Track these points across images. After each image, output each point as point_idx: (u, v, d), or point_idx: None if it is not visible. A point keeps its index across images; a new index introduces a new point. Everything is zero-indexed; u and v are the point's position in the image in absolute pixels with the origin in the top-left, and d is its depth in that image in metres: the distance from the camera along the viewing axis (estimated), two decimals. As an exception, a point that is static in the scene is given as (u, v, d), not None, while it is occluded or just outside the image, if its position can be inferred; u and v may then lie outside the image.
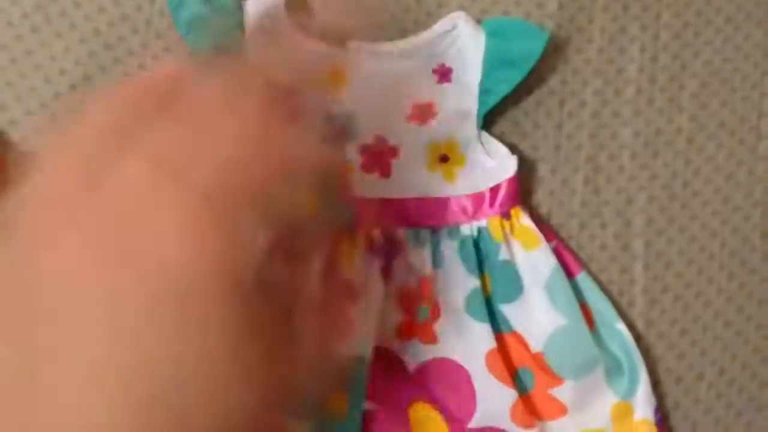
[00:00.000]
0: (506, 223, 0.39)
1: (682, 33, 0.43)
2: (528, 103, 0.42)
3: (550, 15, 0.42)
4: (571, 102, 0.42)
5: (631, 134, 0.42)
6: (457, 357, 0.38)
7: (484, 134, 0.40)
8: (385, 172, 0.40)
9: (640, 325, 0.41)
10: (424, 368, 0.38)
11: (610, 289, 0.41)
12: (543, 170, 0.41)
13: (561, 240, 0.40)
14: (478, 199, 0.39)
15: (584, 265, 0.40)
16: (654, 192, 0.42)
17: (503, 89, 0.39)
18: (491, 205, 0.39)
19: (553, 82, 0.42)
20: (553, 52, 0.42)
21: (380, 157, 0.40)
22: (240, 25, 0.39)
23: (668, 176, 0.42)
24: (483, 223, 0.39)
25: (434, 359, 0.38)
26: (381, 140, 0.40)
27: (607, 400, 0.38)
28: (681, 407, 0.41)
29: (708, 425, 0.41)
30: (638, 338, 0.40)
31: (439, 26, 0.40)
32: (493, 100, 0.39)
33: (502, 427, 0.37)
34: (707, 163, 0.42)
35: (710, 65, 0.43)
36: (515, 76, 0.39)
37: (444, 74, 0.40)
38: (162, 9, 0.41)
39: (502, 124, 0.41)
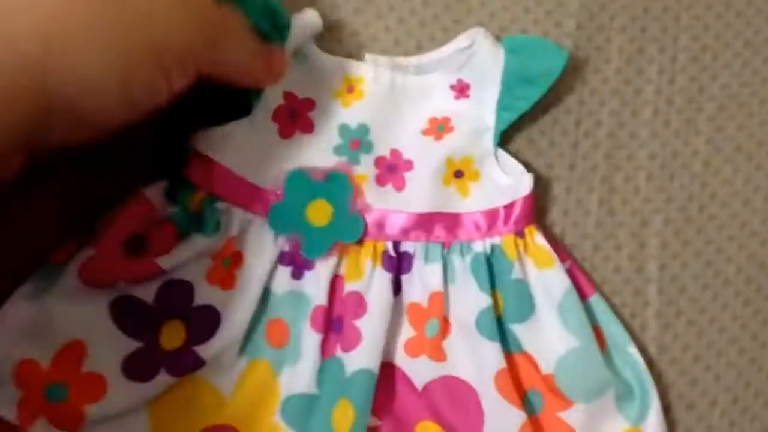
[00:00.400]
0: (520, 242, 0.38)
1: (700, 56, 0.43)
2: (544, 121, 0.41)
3: (568, 34, 0.42)
4: (588, 122, 0.42)
5: (647, 156, 0.42)
6: (466, 376, 0.37)
7: (500, 151, 0.40)
8: (399, 186, 0.39)
9: (652, 350, 0.40)
10: (432, 386, 0.37)
11: (622, 312, 0.40)
12: (557, 189, 0.41)
13: (575, 261, 0.40)
14: (492, 215, 0.39)
15: (597, 288, 0.40)
16: (670, 215, 0.41)
17: (522, 106, 0.39)
18: (505, 222, 0.38)
19: (570, 101, 0.42)
20: (571, 71, 0.42)
21: (395, 170, 0.39)
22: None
23: (684, 199, 0.42)
24: (496, 240, 0.38)
25: (442, 377, 0.37)
26: (396, 154, 0.40)
27: (617, 426, 0.37)
28: (693, 435, 0.40)
29: (721, 454, 0.40)
30: (650, 363, 0.40)
31: (458, 42, 0.40)
32: (511, 117, 0.39)
33: None
34: (724, 186, 0.42)
35: (728, 88, 0.43)
36: (534, 94, 0.39)
37: (462, 90, 0.40)
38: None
39: (518, 142, 0.41)
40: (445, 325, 0.38)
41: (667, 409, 0.40)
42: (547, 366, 0.37)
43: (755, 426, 0.40)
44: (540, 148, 0.41)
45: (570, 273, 0.39)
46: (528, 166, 0.40)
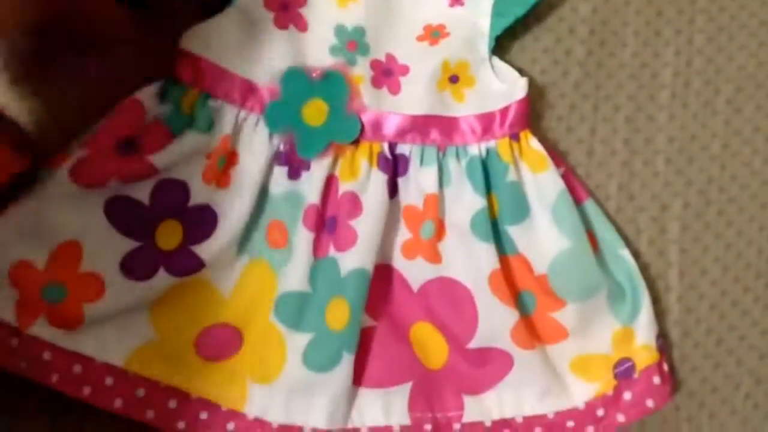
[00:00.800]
0: (515, 145, 0.39)
1: (717, 37, 0.43)
2: (561, 107, 0.41)
3: (583, 19, 0.42)
4: (605, 106, 0.41)
5: (665, 139, 0.42)
6: (461, 277, 0.38)
7: (495, 58, 0.40)
8: (395, 89, 0.39)
9: (675, 334, 0.40)
10: (428, 287, 0.38)
11: (644, 296, 0.40)
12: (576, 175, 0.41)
13: (569, 167, 0.40)
14: (487, 119, 0.39)
15: (591, 193, 0.40)
16: (689, 198, 0.41)
17: (516, 11, 0.39)
18: (501, 126, 0.39)
19: (587, 86, 0.42)
20: (587, 56, 0.41)
21: (390, 74, 0.40)
22: None
23: (704, 182, 0.42)
24: (492, 144, 0.38)
25: (437, 278, 0.38)
26: (391, 58, 0.40)
27: (609, 325, 0.38)
28: (717, 418, 0.40)
29: (746, 436, 0.40)
30: (674, 347, 0.40)
31: None
32: (505, 22, 0.39)
33: (502, 347, 0.37)
34: (743, 168, 0.42)
35: (745, 69, 0.42)
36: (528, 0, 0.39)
37: None
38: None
39: (535, 130, 0.40)
40: (440, 227, 0.38)
41: (691, 393, 0.40)
42: (540, 266, 0.38)
43: (780, 408, 0.40)
44: (557, 135, 0.41)
45: (565, 178, 0.39)
46: (552, 150, 0.39)
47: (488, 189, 0.38)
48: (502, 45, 0.41)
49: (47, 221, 0.34)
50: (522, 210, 0.38)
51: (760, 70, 0.43)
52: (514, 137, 0.38)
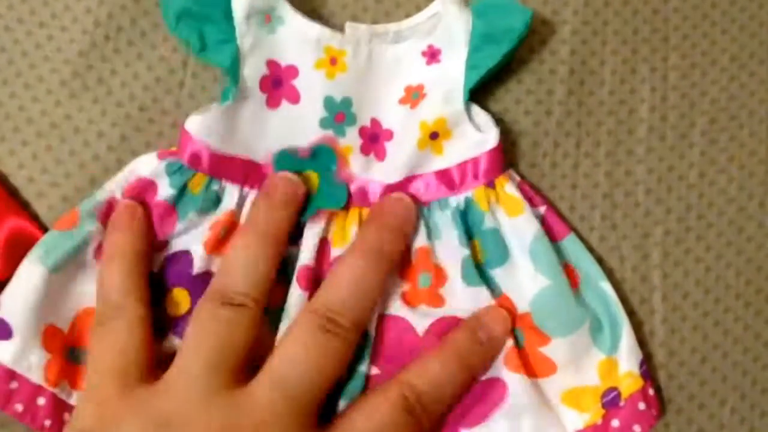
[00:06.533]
0: (491, 192, 0.41)
1: (690, 73, 0.45)
2: (546, 144, 0.44)
3: (562, 60, 0.44)
4: (587, 142, 0.44)
5: (645, 171, 0.44)
6: (462, 315, 0.40)
7: (473, 106, 0.42)
8: (381, 155, 0.42)
9: (661, 355, 0.42)
10: (433, 329, 0.39)
11: (630, 321, 0.42)
12: (562, 208, 0.43)
13: (551, 205, 0.42)
14: (463, 170, 0.41)
15: (572, 228, 0.42)
16: (669, 225, 0.44)
17: (488, 63, 0.41)
18: (475, 176, 0.41)
19: (569, 123, 0.44)
20: (568, 95, 0.44)
21: (376, 140, 0.42)
22: (228, 13, 0.41)
23: (683, 210, 0.44)
24: (469, 193, 0.41)
25: (442, 318, 0.40)
26: (376, 123, 0.42)
27: (594, 357, 0.40)
28: (705, 433, 0.42)
29: (733, 450, 0.42)
30: (661, 367, 0.42)
31: (428, 10, 0.43)
32: (478, 74, 0.41)
33: (498, 376, 0.39)
34: (720, 195, 0.44)
35: (718, 103, 0.45)
36: (499, 51, 0.41)
37: (433, 55, 0.42)
38: (194, 71, 0.43)
39: (522, 167, 0.43)
40: (438, 275, 0.40)
41: (679, 410, 0.42)
42: (523, 305, 0.40)
43: (765, 422, 0.42)
44: (543, 171, 0.43)
45: (545, 217, 0.41)
46: (533, 190, 0.42)
47: (471, 236, 0.40)
48: (487, 88, 0.43)
49: (70, 291, 0.38)
50: (502, 254, 0.40)
51: (732, 103, 0.45)
52: (490, 184, 0.41)
